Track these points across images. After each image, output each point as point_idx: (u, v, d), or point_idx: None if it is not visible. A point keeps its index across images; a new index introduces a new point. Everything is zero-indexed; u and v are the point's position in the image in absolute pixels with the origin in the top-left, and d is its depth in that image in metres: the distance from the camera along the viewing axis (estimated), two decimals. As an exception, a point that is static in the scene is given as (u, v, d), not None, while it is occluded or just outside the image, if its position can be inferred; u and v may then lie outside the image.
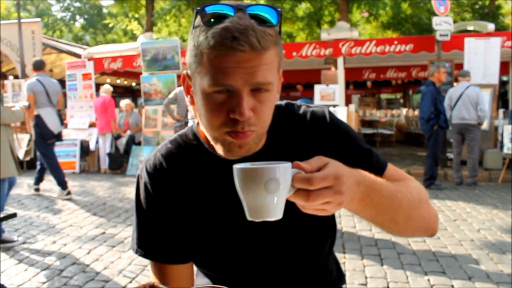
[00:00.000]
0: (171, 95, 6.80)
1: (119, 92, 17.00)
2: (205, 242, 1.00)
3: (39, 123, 5.77)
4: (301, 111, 1.03)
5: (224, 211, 0.97)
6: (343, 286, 1.19)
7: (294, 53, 9.01)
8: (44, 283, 3.27)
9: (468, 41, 7.91)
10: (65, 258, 3.79)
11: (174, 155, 1.00)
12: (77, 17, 31.50)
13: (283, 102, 1.06)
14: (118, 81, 15.57)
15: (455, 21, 10.09)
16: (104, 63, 10.05)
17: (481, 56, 7.83)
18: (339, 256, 3.74)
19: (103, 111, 8.73)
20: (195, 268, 1.09)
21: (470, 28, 10.23)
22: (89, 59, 9.85)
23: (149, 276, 1.06)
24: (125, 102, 10.08)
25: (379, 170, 1.02)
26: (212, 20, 0.77)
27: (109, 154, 8.75)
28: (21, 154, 6.67)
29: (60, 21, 30.58)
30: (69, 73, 9.70)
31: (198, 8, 0.79)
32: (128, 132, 9.64)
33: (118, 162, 8.82)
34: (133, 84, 16.38)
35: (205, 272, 1.11)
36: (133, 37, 19.94)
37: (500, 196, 6.10)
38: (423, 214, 0.96)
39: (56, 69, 14.07)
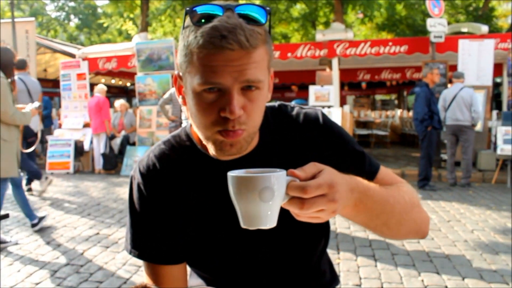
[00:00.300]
0: (166, 96, 6.80)
1: (114, 92, 16.95)
2: (198, 242, 1.00)
3: None
4: (294, 112, 1.03)
5: (217, 212, 0.97)
6: (337, 287, 1.19)
7: (289, 54, 9.03)
8: (37, 284, 3.25)
9: (462, 43, 7.96)
10: (59, 259, 3.77)
11: (167, 156, 1.00)
12: (72, 16, 31.35)
13: (277, 103, 1.06)
14: (113, 81, 15.52)
15: (449, 23, 10.13)
16: (98, 63, 10.02)
17: (475, 58, 7.88)
18: (333, 257, 3.75)
19: (97, 111, 8.70)
20: (188, 269, 1.09)
21: (464, 30, 10.29)
22: (84, 59, 9.81)
23: (143, 277, 1.05)
24: (119, 102, 10.05)
25: (371, 173, 1.02)
26: (202, 20, 0.78)
27: (104, 155, 8.73)
28: None
29: (55, 20, 30.43)
30: (63, 73, 9.67)
31: (188, 8, 0.80)
32: (123, 133, 9.61)
33: (113, 162, 8.79)
34: (128, 84, 16.33)
35: (198, 273, 1.11)
36: (128, 37, 19.90)
37: (494, 197, 6.13)
38: (415, 218, 0.97)
39: (50, 69, 14.02)
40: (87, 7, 30.12)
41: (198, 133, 0.89)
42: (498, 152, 7.09)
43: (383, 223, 0.90)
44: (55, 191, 6.78)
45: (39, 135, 5.69)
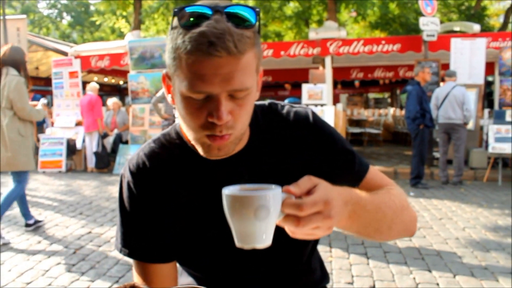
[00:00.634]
0: (159, 94, 6.77)
1: (106, 91, 16.85)
2: (188, 241, 1.00)
3: None
4: (285, 111, 1.04)
5: (207, 210, 0.97)
6: (327, 285, 1.20)
7: (282, 52, 9.02)
8: (28, 283, 3.23)
9: (455, 42, 8.00)
10: (50, 258, 3.75)
11: (157, 154, 1.00)
12: (64, 14, 31.15)
13: (267, 102, 1.06)
14: (105, 79, 15.44)
15: (442, 22, 10.19)
16: (91, 61, 9.97)
17: (467, 57, 7.92)
18: (326, 255, 3.76)
19: (89, 110, 8.64)
20: (179, 267, 1.09)
21: (457, 28, 10.35)
22: (76, 57, 9.75)
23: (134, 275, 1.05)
24: (112, 101, 10.00)
25: (361, 173, 1.03)
26: (191, 19, 0.77)
27: (96, 153, 8.68)
28: None
29: (47, 18, 30.21)
30: (55, 71, 9.60)
31: (176, 9, 0.79)
32: (115, 131, 9.57)
33: (105, 161, 8.75)
34: (121, 82, 16.25)
35: (189, 271, 1.10)
36: (121, 35, 19.80)
37: (485, 195, 6.18)
38: (404, 219, 0.98)
39: (42, 67, 13.92)
40: (80, 5, 29.93)
41: (187, 133, 0.90)
42: (490, 150, 7.15)
43: (375, 229, 0.91)
44: (47, 190, 6.74)
45: None
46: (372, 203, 0.87)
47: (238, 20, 0.77)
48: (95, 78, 13.97)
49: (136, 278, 1.02)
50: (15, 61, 4.16)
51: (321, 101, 8.13)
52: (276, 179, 0.99)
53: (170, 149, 1.00)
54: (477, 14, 16.37)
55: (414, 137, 6.73)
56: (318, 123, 1.02)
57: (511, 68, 7.72)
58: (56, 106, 9.60)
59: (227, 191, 0.70)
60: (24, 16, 10.74)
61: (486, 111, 8.64)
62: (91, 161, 8.83)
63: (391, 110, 15.39)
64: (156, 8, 14.14)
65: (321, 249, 3.83)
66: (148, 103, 8.42)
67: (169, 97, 0.92)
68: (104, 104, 10.17)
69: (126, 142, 9.08)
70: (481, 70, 7.89)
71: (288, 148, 0.99)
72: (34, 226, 4.56)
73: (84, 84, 9.62)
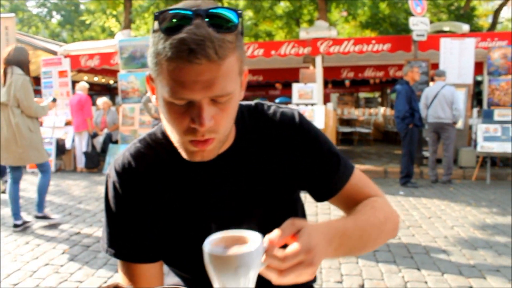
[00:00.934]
0: (149, 93, 6.73)
1: (96, 90, 16.72)
2: (174, 241, 1.00)
3: None
4: (271, 111, 1.04)
5: (192, 210, 0.97)
6: (314, 284, 1.20)
7: (273, 52, 9.02)
8: (15, 284, 3.20)
9: (444, 42, 8.05)
10: (38, 259, 3.72)
11: (143, 154, 0.99)
12: (54, 13, 30.89)
13: (253, 102, 1.06)
14: (95, 78, 15.32)
15: (431, 22, 10.24)
16: (81, 61, 9.88)
17: (456, 56, 7.99)
18: (315, 254, 3.76)
19: (79, 109, 8.59)
20: (165, 267, 1.09)
21: (446, 28, 10.42)
22: (66, 56, 9.66)
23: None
24: (102, 100, 9.94)
25: (344, 176, 1.04)
26: (174, 20, 0.76)
27: (86, 153, 8.63)
28: None
29: (36, 17, 29.93)
30: (44, 70, 9.51)
31: (156, 13, 0.78)
32: (105, 131, 9.51)
33: (95, 161, 8.70)
34: (111, 82, 16.14)
35: (176, 271, 1.10)
36: (111, 34, 19.67)
37: (474, 194, 6.23)
38: (388, 230, 1.00)
39: (32, 66, 13.73)
40: (70, 4, 29.69)
41: (170, 136, 0.89)
42: (478, 149, 7.21)
43: (360, 249, 0.93)
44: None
45: None
46: (357, 228, 0.89)
47: (220, 21, 0.76)
48: (85, 78, 13.86)
49: (122, 279, 1.02)
50: (20, 61, 4.34)
51: (311, 101, 8.15)
52: (262, 179, 0.99)
53: (156, 149, 1.00)
54: (466, 14, 16.50)
55: (404, 137, 6.76)
56: (304, 124, 1.03)
57: (500, 68, 7.79)
58: (45, 106, 9.50)
59: (207, 249, 0.69)
60: (13, 14, 10.59)
61: (475, 110, 8.71)
62: (81, 161, 8.77)
63: (382, 110, 15.47)
64: (147, 8, 14.06)
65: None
66: (138, 102, 8.39)
67: (153, 98, 0.91)
68: (94, 103, 10.10)
69: (116, 142, 9.03)
70: (470, 70, 7.96)
71: (274, 148, 1.00)
72: (22, 227, 4.53)
73: (74, 83, 9.54)
